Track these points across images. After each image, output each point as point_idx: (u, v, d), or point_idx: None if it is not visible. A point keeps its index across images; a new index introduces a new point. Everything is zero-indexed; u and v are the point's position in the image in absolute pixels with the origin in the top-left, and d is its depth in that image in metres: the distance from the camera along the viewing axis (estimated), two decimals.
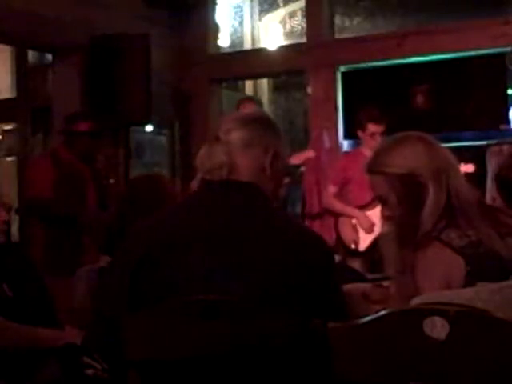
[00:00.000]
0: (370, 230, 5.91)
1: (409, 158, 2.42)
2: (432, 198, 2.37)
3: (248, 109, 5.67)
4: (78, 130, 5.66)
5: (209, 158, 2.25)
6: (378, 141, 5.90)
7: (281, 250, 2.18)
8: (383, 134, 5.90)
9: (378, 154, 2.50)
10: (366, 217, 5.92)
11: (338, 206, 6.14)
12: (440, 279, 2.31)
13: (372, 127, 5.94)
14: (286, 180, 6.57)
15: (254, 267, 2.14)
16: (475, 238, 2.34)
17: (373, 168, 2.49)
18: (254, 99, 6.99)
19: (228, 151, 2.23)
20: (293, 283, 2.16)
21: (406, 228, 2.44)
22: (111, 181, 6.63)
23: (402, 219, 2.45)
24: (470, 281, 2.28)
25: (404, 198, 2.43)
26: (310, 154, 7.05)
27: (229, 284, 2.13)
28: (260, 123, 2.31)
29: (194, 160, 2.31)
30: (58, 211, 5.53)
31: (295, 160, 6.99)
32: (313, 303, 2.18)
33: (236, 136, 2.25)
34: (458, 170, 2.46)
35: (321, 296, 2.21)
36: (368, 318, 1.95)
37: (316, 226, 6.95)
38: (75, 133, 5.65)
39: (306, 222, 7.05)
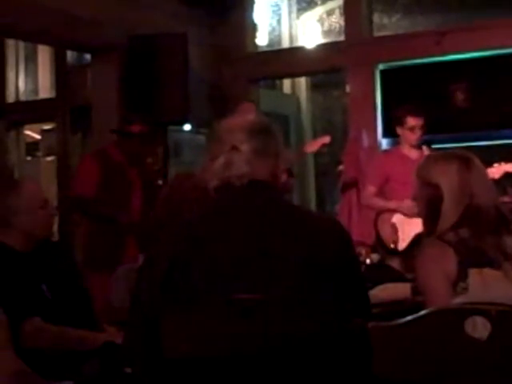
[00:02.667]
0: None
1: (442, 174, 2.74)
2: (445, 210, 2.69)
3: (248, 111, 5.71)
4: (130, 131, 5.64)
5: (228, 167, 2.34)
6: (418, 135, 5.84)
7: (308, 244, 2.23)
8: (423, 127, 5.84)
9: (425, 163, 2.87)
10: (410, 202, 5.79)
11: (380, 202, 6.05)
12: (438, 275, 2.55)
13: (411, 120, 5.87)
14: (291, 181, 6.59)
15: (286, 265, 2.18)
16: (467, 235, 2.61)
17: (417, 173, 2.84)
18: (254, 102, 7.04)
19: (247, 160, 2.33)
20: (325, 274, 2.20)
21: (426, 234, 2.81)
22: (160, 182, 6.62)
23: (424, 224, 2.82)
24: (461, 269, 2.52)
25: (426, 204, 2.79)
26: (326, 139, 6.95)
27: (264, 283, 2.15)
28: (269, 132, 2.42)
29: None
30: (98, 212, 5.55)
31: (310, 147, 6.93)
32: (343, 290, 2.23)
33: (251, 146, 2.35)
34: (487, 192, 2.73)
35: (348, 280, 2.26)
36: (409, 318, 1.94)
37: (354, 225, 6.92)
38: (128, 134, 5.64)
39: (344, 221, 7.02)
